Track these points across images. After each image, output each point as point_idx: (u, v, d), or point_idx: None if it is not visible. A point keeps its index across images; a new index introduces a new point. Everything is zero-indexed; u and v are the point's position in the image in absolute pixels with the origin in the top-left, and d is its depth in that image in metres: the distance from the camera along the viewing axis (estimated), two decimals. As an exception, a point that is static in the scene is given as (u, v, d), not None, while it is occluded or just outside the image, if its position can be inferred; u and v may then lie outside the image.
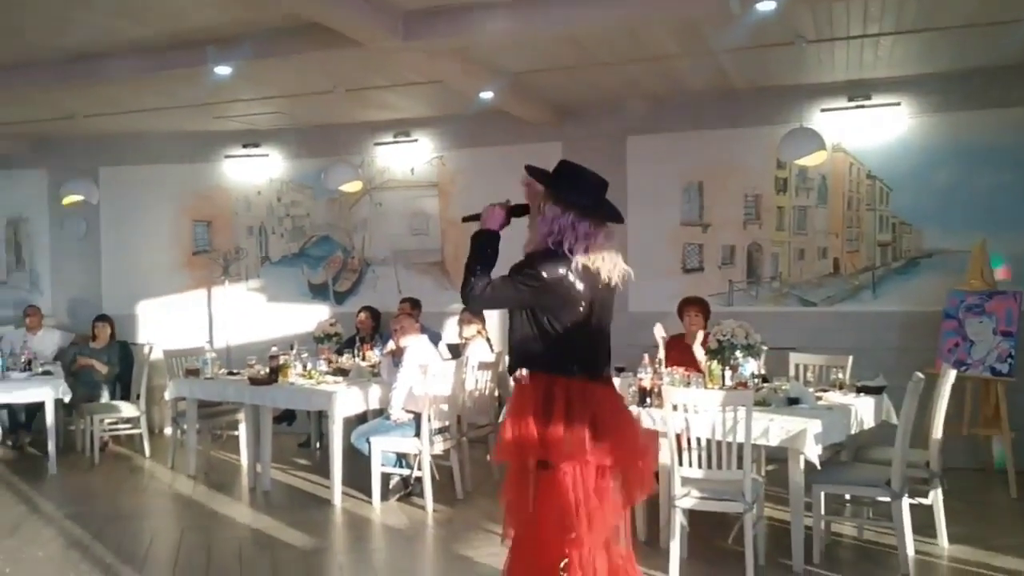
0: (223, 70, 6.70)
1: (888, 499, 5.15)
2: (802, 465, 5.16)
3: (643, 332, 7.28)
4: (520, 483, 3.46)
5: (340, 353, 8.16)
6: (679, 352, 6.66)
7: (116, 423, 8.82)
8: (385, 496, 6.86)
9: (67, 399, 8.18)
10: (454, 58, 6.78)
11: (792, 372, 6.73)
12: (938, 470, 5.46)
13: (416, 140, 9.48)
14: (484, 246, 3.45)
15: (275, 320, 9.86)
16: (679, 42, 6.59)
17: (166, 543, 6.01)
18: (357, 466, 7.05)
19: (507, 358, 3.65)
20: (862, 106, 7.82)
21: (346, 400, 6.92)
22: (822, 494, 5.34)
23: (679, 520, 5.15)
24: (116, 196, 10.22)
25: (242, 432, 8.04)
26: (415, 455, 6.75)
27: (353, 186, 8.98)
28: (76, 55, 6.86)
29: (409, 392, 6.77)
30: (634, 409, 5.40)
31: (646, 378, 5.66)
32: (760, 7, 5.46)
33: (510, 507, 3.54)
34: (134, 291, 10.26)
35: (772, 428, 5.14)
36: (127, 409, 8.73)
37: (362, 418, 7.38)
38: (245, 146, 9.97)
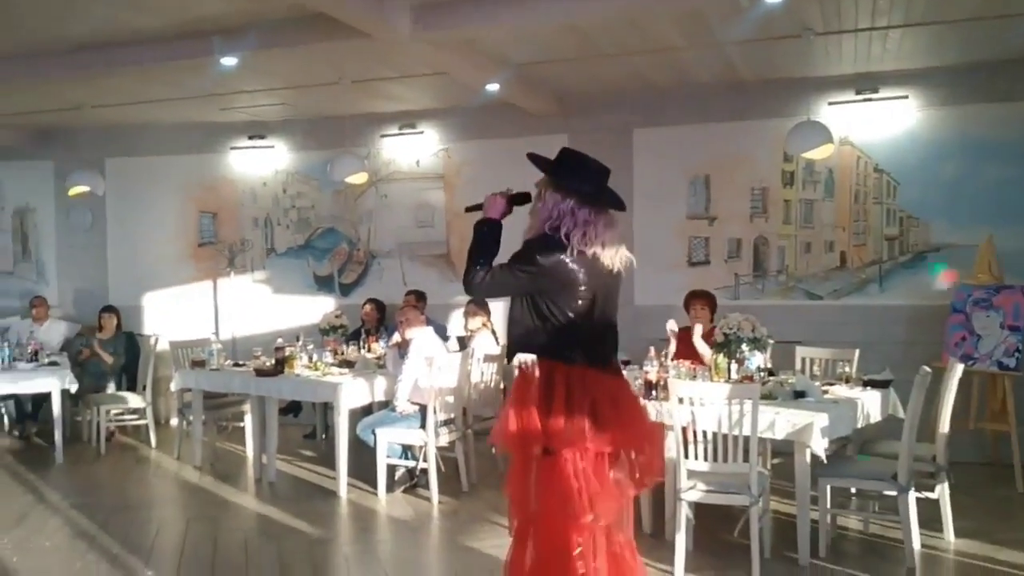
0: (229, 61, 6.69)
1: (894, 493, 5.15)
2: (808, 458, 5.15)
3: (648, 325, 7.29)
4: (523, 474, 3.48)
5: (348, 343, 8.17)
6: (686, 346, 6.65)
7: (122, 414, 8.87)
8: (390, 487, 6.88)
9: (73, 390, 8.23)
10: (460, 49, 6.78)
11: (798, 365, 6.73)
12: (945, 464, 5.46)
13: (422, 132, 9.48)
14: (486, 235, 3.49)
15: (281, 312, 9.87)
16: (685, 34, 6.59)
17: (172, 533, 6.05)
18: (363, 457, 7.07)
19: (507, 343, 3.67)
20: (869, 99, 7.80)
21: (352, 392, 6.93)
22: (828, 488, 5.34)
23: (684, 513, 5.15)
24: (122, 187, 10.24)
25: (248, 423, 8.04)
26: (420, 447, 6.78)
27: (359, 178, 8.98)
28: (82, 46, 6.86)
29: (415, 384, 6.79)
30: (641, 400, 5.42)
31: (652, 371, 5.67)
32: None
33: (514, 499, 3.56)
34: (140, 282, 10.30)
35: (778, 421, 5.14)
36: (133, 400, 8.78)
37: (368, 410, 7.41)
38: (251, 137, 9.97)
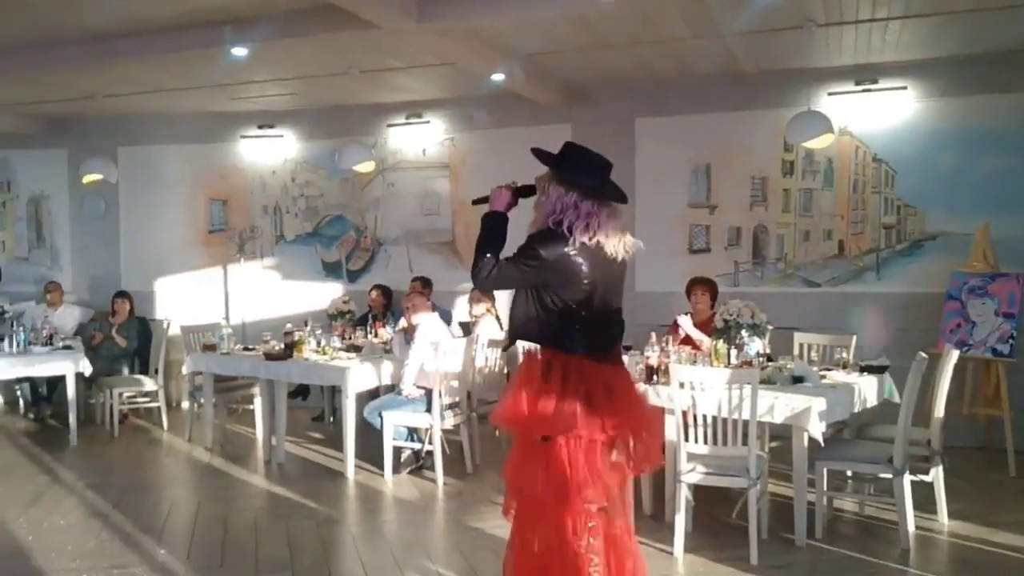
0: (240, 51, 6.76)
1: (890, 476, 5.23)
2: (806, 442, 5.24)
3: (649, 311, 7.40)
4: (520, 458, 3.57)
5: (355, 328, 8.26)
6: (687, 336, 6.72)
7: (135, 396, 8.97)
8: (397, 469, 6.99)
9: (87, 373, 8.33)
10: (467, 40, 6.82)
11: (797, 351, 6.81)
12: (939, 448, 5.54)
13: (428, 122, 9.55)
14: (492, 228, 3.54)
15: (289, 297, 9.99)
16: (689, 24, 6.62)
17: (184, 513, 6.14)
18: (369, 440, 7.18)
19: (507, 331, 3.72)
20: (869, 90, 7.85)
21: (359, 375, 7.02)
22: (825, 470, 5.40)
23: (684, 495, 5.23)
24: (134, 175, 10.37)
25: (257, 406, 8.15)
26: (426, 429, 6.86)
27: (366, 167, 9.07)
28: (95, 35, 6.93)
29: (421, 368, 6.88)
30: (641, 387, 5.48)
31: (653, 356, 5.74)
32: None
33: (509, 481, 3.65)
34: (152, 268, 10.42)
35: (777, 405, 5.21)
36: (146, 383, 8.88)
37: (374, 393, 7.49)
38: (261, 127, 10.05)
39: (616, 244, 3.50)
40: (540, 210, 3.56)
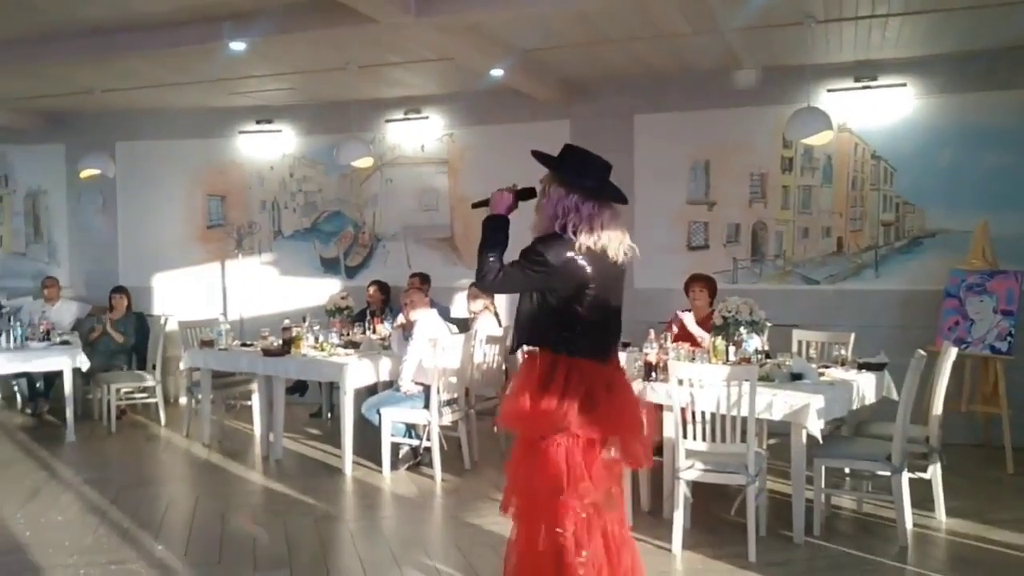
0: (238, 46, 6.74)
1: (888, 473, 5.23)
2: (804, 439, 5.24)
3: (648, 308, 7.39)
4: (521, 456, 3.58)
5: (353, 324, 8.26)
6: (684, 332, 6.72)
7: (132, 392, 8.98)
8: (395, 465, 6.98)
9: (85, 368, 8.29)
10: (465, 35, 6.81)
11: (795, 348, 6.81)
12: (937, 445, 5.54)
13: (427, 117, 9.54)
14: (494, 232, 3.52)
15: (287, 293, 9.99)
16: (688, 20, 6.61)
17: (181, 509, 6.13)
18: (367, 436, 7.17)
19: (512, 334, 3.72)
20: (868, 87, 7.85)
21: (357, 371, 7.02)
22: (823, 468, 5.40)
23: (683, 491, 5.22)
24: (132, 170, 10.35)
25: (255, 402, 8.16)
26: (424, 426, 6.86)
27: (364, 162, 9.06)
28: (93, 30, 6.91)
29: (419, 364, 6.88)
30: (639, 383, 5.50)
31: (651, 353, 5.73)
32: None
33: (512, 479, 3.66)
34: (150, 263, 10.42)
35: (776, 403, 5.20)
36: (144, 379, 8.87)
37: (372, 389, 7.50)
38: (259, 122, 10.05)
39: (618, 247, 3.51)
40: (541, 212, 3.56)
